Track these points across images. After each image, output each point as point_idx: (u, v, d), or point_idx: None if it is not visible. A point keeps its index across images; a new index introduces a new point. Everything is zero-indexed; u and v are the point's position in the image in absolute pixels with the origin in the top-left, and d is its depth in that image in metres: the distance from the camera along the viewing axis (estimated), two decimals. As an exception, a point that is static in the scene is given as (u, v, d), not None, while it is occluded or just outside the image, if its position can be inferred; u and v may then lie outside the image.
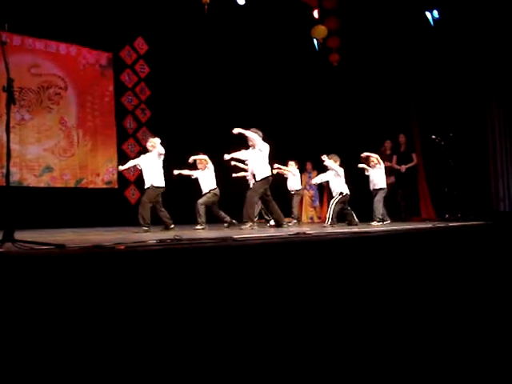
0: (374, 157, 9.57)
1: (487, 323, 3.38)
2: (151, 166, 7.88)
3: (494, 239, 5.88)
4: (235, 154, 8.81)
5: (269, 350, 2.87)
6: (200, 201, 8.87)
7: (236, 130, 7.98)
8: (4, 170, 9.65)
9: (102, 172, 11.34)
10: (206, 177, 9.13)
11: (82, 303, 2.57)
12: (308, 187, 12.90)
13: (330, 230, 6.98)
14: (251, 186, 8.75)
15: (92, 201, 10.78)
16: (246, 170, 9.81)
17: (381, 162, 9.61)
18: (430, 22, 11.08)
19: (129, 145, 11.87)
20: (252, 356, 2.80)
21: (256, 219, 8.44)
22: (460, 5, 10.35)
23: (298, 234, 5.19)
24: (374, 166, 9.57)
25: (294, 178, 10.66)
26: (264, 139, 8.29)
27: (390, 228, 6.58)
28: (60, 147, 10.83)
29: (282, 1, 11.25)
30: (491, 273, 4.43)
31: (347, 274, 3.78)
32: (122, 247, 3.48)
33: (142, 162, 8.10)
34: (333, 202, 8.89)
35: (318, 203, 12.96)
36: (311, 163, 12.57)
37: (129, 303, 2.68)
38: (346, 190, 9.01)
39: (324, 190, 12.08)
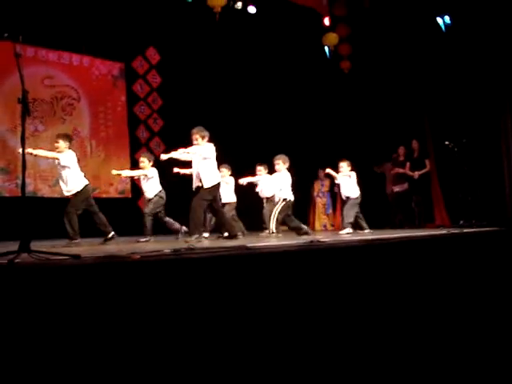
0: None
1: (503, 329, 3.36)
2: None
3: (509, 245, 5.84)
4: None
5: (282, 357, 2.86)
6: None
7: (164, 157, 7.27)
8: (19, 181, 9.80)
9: (116, 182, 11.38)
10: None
11: (98, 313, 2.58)
12: (321, 195, 12.88)
13: (344, 237, 6.95)
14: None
15: (105, 210, 10.78)
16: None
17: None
18: (441, 28, 11.05)
19: (141, 154, 11.90)
20: (266, 363, 2.79)
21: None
22: (472, 10, 10.31)
23: (312, 242, 5.17)
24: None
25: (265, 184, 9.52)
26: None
27: (404, 235, 6.54)
28: (73, 157, 10.87)
29: (292, 9, 11.28)
30: (506, 279, 4.40)
31: (362, 282, 3.76)
32: (138, 257, 3.48)
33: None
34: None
35: (331, 211, 12.92)
36: (324, 171, 12.54)
37: (144, 312, 2.69)
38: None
39: (337, 197, 12.04)
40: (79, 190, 7.10)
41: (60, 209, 9.71)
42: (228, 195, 9.08)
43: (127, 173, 8.80)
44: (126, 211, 11.01)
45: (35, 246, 3.81)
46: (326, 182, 12.67)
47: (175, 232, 8.15)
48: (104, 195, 11.18)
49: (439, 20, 11.05)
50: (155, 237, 8.05)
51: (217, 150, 7.45)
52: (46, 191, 10.41)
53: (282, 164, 8.48)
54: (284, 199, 8.35)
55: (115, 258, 3.48)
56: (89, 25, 10.55)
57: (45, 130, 10.44)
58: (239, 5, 11.25)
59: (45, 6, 9.85)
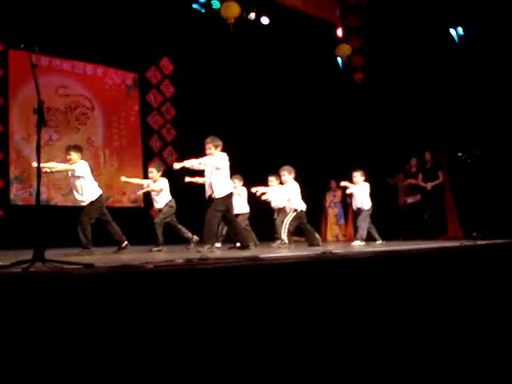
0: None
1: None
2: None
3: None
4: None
5: (294, 367, 2.85)
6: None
7: (177, 166, 7.23)
8: (32, 189, 9.87)
9: (128, 191, 11.44)
10: None
11: (111, 322, 2.59)
12: (332, 205, 12.87)
13: (356, 248, 6.93)
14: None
15: (118, 219, 10.82)
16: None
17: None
18: (454, 39, 11.05)
19: (151, 164, 11.97)
20: (277, 374, 2.78)
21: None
22: (485, 21, 10.29)
23: (324, 253, 5.17)
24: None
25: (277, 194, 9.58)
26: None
27: (417, 247, 6.51)
28: (87, 166, 10.95)
29: (305, 20, 11.32)
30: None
31: (374, 293, 3.75)
32: (151, 266, 3.49)
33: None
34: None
35: (343, 221, 12.91)
36: (335, 181, 12.53)
37: (156, 322, 2.69)
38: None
39: (349, 207, 12.02)
40: (94, 199, 7.12)
41: (72, 217, 9.77)
42: (241, 206, 9.07)
43: (137, 180, 8.77)
44: (138, 220, 11.05)
45: (48, 254, 3.83)
46: (338, 193, 12.66)
47: (187, 240, 8.14)
48: (117, 204, 11.24)
49: (452, 31, 11.05)
50: (167, 246, 8.06)
51: (229, 160, 7.46)
52: (59, 200, 10.48)
53: (287, 175, 8.47)
54: (295, 210, 8.33)
55: (128, 267, 3.49)
56: (103, 35, 10.65)
57: (59, 139, 10.53)
58: (252, 16, 11.32)
59: (59, 16, 9.95)
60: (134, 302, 2.73)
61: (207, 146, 7.29)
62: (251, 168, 10.83)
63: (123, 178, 8.45)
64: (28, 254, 3.86)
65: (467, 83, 10.84)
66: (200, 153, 11.09)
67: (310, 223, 8.87)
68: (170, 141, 12.39)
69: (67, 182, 10.53)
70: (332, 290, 3.57)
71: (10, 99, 10.18)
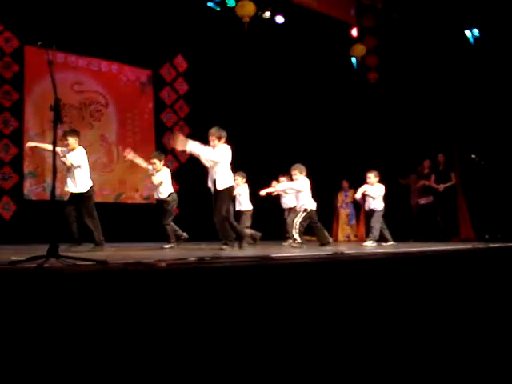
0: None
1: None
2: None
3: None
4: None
5: (304, 369, 2.86)
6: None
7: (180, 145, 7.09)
8: (45, 184, 9.93)
9: (141, 187, 11.49)
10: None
11: (124, 320, 2.61)
12: (344, 205, 12.85)
13: (368, 249, 6.92)
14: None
15: (131, 216, 10.91)
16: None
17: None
18: (469, 41, 11.00)
19: (167, 161, 12.00)
20: (286, 376, 2.79)
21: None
22: (501, 22, 10.24)
23: (335, 253, 5.17)
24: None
25: (288, 194, 9.73)
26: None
27: (428, 248, 6.50)
28: (100, 163, 11.03)
29: (320, 19, 11.31)
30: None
31: (385, 295, 3.75)
32: (163, 264, 3.52)
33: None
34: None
35: (354, 221, 12.89)
36: (347, 181, 12.52)
37: (169, 320, 2.71)
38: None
39: (361, 208, 12.00)
40: (87, 190, 6.87)
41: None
42: (244, 203, 9.16)
43: (142, 163, 8.31)
44: (150, 217, 11.09)
45: (61, 249, 3.86)
46: (350, 193, 12.62)
47: (177, 237, 8.04)
48: (129, 201, 11.30)
49: (467, 32, 11.00)
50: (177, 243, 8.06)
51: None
52: (72, 195, 10.55)
53: (298, 174, 8.40)
54: (305, 209, 8.30)
55: (141, 265, 3.52)
56: (118, 32, 10.69)
57: (73, 135, 10.58)
58: (267, 14, 11.32)
59: (74, 12, 10.00)
60: (147, 300, 2.75)
61: (211, 137, 7.15)
62: (263, 167, 10.86)
63: (130, 155, 8.22)
64: (41, 249, 3.90)
65: (482, 85, 10.80)
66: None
67: (322, 223, 8.86)
68: (183, 138, 12.42)
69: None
70: (343, 290, 3.58)
71: (25, 95, 10.25)
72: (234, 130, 12.21)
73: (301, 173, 8.45)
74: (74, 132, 7.08)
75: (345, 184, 12.69)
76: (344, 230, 12.90)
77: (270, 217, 9.92)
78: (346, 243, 10.98)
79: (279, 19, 11.60)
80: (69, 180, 6.82)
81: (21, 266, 3.43)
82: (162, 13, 10.89)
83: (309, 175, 8.59)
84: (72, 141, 6.83)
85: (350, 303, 3.47)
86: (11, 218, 9.75)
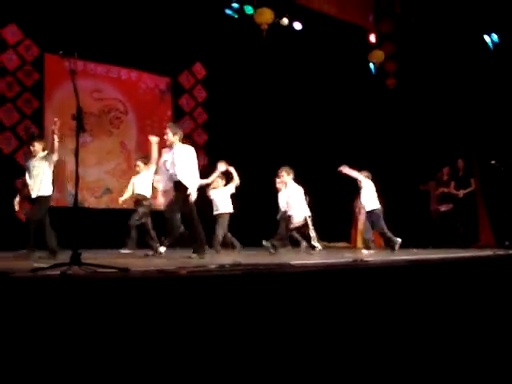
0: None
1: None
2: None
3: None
4: None
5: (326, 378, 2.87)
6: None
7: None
8: (65, 191, 10.01)
9: (159, 194, 11.52)
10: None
11: (146, 327, 2.63)
12: (363, 211, 12.78)
13: (389, 256, 6.89)
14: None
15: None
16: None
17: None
18: (488, 46, 10.93)
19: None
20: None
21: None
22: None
23: (355, 260, 5.16)
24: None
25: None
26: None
27: (448, 255, 6.46)
28: (119, 170, 11.12)
29: (338, 25, 11.31)
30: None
31: (406, 302, 3.74)
32: (184, 272, 3.54)
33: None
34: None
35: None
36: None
37: (189, 328, 2.73)
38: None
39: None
40: (47, 195, 6.81)
41: (105, 219, 9.96)
42: (224, 205, 8.86)
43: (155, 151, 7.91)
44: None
45: (83, 256, 3.89)
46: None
47: (150, 247, 7.87)
48: (148, 208, 11.36)
49: (487, 38, 10.94)
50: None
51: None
52: (91, 202, 10.63)
53: (286, 176, 8.33)
54: (310, 216, 8.23)
55: (163, 272, 3.54)
56: (137, 39, 10.77)
57: (92, 142, 10.67)
58: (285, 21, 11.34)
59: (94, 20, 10.09)
60: (168, 307, 2.77)
61: (166, 130, 7.03)
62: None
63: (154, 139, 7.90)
64: (62, 255, 3.94)
65: (501, 90, 10.72)
66: (231, 157, 11.18)
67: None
68: (201, 145, 12.48)
69: (100, 184, 10.76)
70: (363, 297, 3.57)
71: (46, 102, 10.37)
72: (252, 137, 12.31)
73: (288, 175, 8.35)
74: (40, 138, 7.26)
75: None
76: (362, 236, 12.82)
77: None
78: (364, 250, 10.90)
79: (297, 26, 11.61)
80: (38, 181, 6.77)
81: (44, 273, 3.47)
82: (181, 20, 10.95)
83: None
84: (38, 147, 6.93)
85: (369, 310, 3.47)
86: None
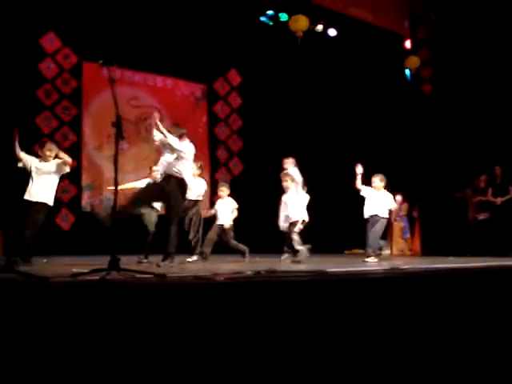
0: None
1: None
2: None
3: None
4: None
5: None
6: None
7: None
8: (102, 197, 10.15)
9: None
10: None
11: (182, 332, 2.65)
12: (398, 218, 12.67)
13: (425, 264, 6.81)
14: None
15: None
16: None
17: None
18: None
19: (221, 174, 12.14)
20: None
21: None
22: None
23: (392, 268, 5.13)
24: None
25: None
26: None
27: (488, 264, 6.37)
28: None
29: (373, 31, 11.26)
30: None
31: (444, 312, 3.69)
32: (221, 278, 3.56)
33: None
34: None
35: (408, 235, 12.69)
36: (401, 194, 12.35)
37: (226, 333, 2.74)
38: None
39: (416, 221, 11.84)
40: (51, 204, 6.58)
41: (141, 225, 10.00)
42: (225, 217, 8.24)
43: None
44: (205, 229, 11.18)
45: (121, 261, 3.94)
46: (404, 206, 12.46)
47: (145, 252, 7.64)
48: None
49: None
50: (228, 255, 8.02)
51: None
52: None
53: (290, 181, 8.21)
54: (303, 220, 8.12)
55: (200, 278, 3.57)
56: (173, 47, 10.89)
57: (129, 149, 10.79)
58: (320, 28, 11.33)
59: (131, 29, 10.22)
60: (204, 312, 2.79)
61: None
62: (320, 178, 10.83)
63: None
64: (98, 260, 3.99)
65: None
66: (266, 164, 11.22)
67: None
68: (236, 151, 12.55)
69: (136, 190, 10.85)
70: (401, 306, 3.55)
71: (83, 110, 10.54)
72: (286, 143, 12.32)
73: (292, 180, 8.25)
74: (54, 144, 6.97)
75: (399, 197, 12.51)
76: (398, 243, 12.70)
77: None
78: (400, 258, 10.82)
79: (332, 32, 11.59)
80: (45, 188, 6.53)
81: (84, 278, 3.52)
82: (216, 28, 11.02)
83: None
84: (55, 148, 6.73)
85: (405, 319, 3.44)
86: (70, 230, 10.00)
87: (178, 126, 6.84)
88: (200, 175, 8.21)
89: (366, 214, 8.40)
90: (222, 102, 12.55)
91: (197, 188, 7.91)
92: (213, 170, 12.01)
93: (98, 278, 3.39)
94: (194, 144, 6.94)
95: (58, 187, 6.63)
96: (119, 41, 10.00)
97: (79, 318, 2.49)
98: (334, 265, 5.97)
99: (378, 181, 8.53)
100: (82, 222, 10.07)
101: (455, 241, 9.60)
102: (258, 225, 10.27)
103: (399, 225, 12.64)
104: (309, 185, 9.29)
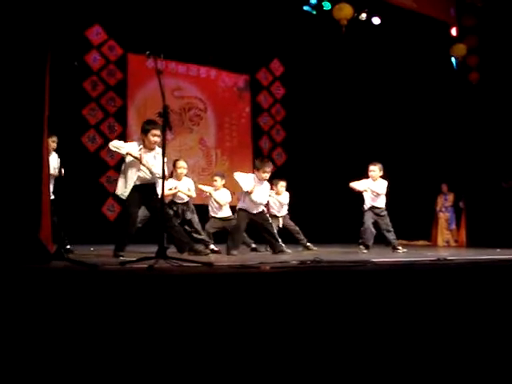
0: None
1: None
2: None
3: None
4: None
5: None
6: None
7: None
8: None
9: (238, 190, 11.65)
10: None
11: (230, 321, 2.67)
12: (444, 209, 12.50)
13: (471, 256, 6.72)
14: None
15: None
16: None
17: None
18: None
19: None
20: None
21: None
22: None
23: (438, 259, 5.07)
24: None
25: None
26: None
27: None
28: (199, 166, 11.36)
29: (418, 19, 11.08)
30: None
31: (493, 304, 3.64)
32: (267, 267, 3.58)
33: None
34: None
35: (454, 226, 12.50)
36: (447, 185, 12.17)
37: (272, 323, 2.75)
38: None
39: (462, 212, 11.64)
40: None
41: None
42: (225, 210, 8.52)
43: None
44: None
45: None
46: (450, 197, 12.27)
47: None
48: (228, 203, 11.52)
49: None
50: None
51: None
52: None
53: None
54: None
55: (247, 267, 3.60)
56: (216, 38, 10.93)
57: (173, 139, 10.89)
58: (363, 16, 11.20)
59: (174, 21, 10.30)
60: (250, 301, 2.81)
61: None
62: (361, 169, 10.73)
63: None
64: (144, 248, 4.04)
65: None
66: (309, 154, 11.20)
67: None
68: (279, 142, 12.55)
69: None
70: (445, 297, 3.51)
71: (129, 101, 10.68)
72: (331, 134, 12.27)
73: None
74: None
75: (444, 188, 12.32)
76: (443, 234, 12.53)
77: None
78: (445, 249, 10.69)
79: (376, 20, 11.44)
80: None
81: (133, 266, 3.59)
82: (259, 18, 11.01)
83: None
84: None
85: (451, 310, 3.40)
86: (115, 219, 10.15)
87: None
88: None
89: (366, 206, 8.34)
90: (265, 92, 12.55)
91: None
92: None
93: (145, 266, 3.45)
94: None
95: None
96: (162, 32, 10.08)
97: (129, 304, 2.54)
98: (375, 256, 5.94)
99: (377, 170, 8.36)
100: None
101: (502, 232, 9.40)
102: (304, 215, 10.23)
103: (445, 216, 12.47)
104: (355, 175, 9.22)
